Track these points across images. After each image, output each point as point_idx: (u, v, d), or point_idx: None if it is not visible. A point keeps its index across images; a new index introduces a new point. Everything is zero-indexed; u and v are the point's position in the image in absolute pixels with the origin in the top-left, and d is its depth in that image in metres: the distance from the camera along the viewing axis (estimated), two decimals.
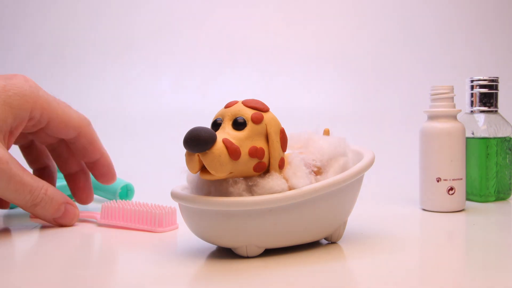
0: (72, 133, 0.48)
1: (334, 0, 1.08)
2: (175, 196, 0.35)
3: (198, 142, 0.31)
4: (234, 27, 1.07)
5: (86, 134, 0.49)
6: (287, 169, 0.35)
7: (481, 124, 0.57)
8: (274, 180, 0.34)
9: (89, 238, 0.45)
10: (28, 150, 0.52)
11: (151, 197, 0.64)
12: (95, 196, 0.64)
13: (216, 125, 0.34)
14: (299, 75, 1.06)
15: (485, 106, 0.57)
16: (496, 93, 0.58)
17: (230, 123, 0.34)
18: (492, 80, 0.57)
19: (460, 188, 0.52)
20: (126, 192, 0.60)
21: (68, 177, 0.53)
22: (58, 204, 0.46)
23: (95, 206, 0.59)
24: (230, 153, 0.32)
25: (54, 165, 0.54)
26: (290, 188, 0.34)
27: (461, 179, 0.52)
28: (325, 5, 1.07)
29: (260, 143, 0.34)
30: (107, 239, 0.43)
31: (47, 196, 0.45)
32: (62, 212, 0.46)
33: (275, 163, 0.34)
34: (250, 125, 0.33)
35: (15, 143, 0.50)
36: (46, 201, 0.45)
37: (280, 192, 0.34)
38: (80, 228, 0.48)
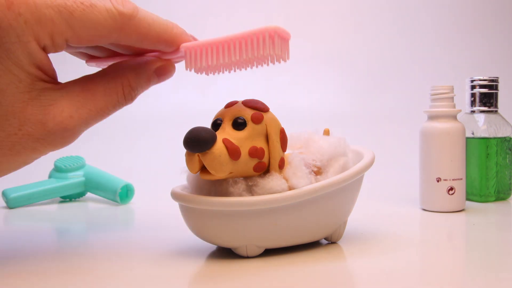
0: (106, 41, 0.34)
1: (335, 0, 1.08)
2: (175, 196, 0.35)
3: (198, 142, 0.31)
4: (234, 27, 1.07)
5: (129, 35, 0.34)
6: (287, 169, 0.35)
7: (481, 124, 0.57)
8: (274, 180, 0.34)
9: (89, 237, 0.45)
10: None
11: (151, 197, 0.64)
12: (95, 196, 0.64)
13: (216, 125, 0.34)
14: (299, 75, 1.06)
15: (485, 106, 0.57)
16: (496, 93, 0.58)
17: (230, 123, 0.34)
18: (492, 80, 0.57)
19: (460, 188, 0.52)
20: (126, 192, 0.60)
21: None
22: (148, 80, 0.36)
23: (96, 205, 0.60)
24: (230, 153, 0.32)
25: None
26: (290, 188, 0.34)
27: (461, 179, 0.52)
28: (326, 5, 1.07)
29: (260, 143, 0.34)
30: (106, 239, 0.43)
31: (133, 89, 0.36)
32: (156, 79, 0.37)
33: (275, 163, 0.34)
34: (250, 125, 0.33)
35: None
36: (136, 91, 0.36)
37: (280, 192, 0.34)
38: (80, 228, 0.48)
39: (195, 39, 0.37)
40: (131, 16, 0.33)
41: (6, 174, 0.34)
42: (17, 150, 0.32)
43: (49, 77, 0.33)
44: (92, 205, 0.60)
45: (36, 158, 0.34)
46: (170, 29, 0.35)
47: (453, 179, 0.51)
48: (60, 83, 0.34)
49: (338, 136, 0.40)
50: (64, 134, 0.33)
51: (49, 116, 0.32)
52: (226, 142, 0.32)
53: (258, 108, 0.34)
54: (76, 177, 0.62)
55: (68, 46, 0.33)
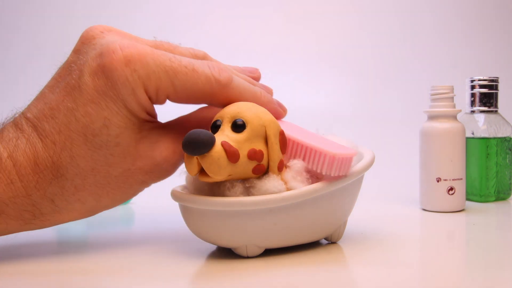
0: (200, 102, 0.38)
1: (335, 0, 1.08)
2: (175, 196, 0.35)
3: (196, 145, 0.31)
4: (234, 27, 1.08)
5: (220, 100, 0.37)
6: (287, 172, 0.34)
7: (481, 124, 0.57)
8: (271, 182, 0.33)
9: (89, 237, 0.45)
10: None
11: (151, 197, 0.64)
12: None
13: (216, 126, 0.34)
14: (299, 75, 1.06)
15: (485, 106, 0.57)
16: (496, 93, 0.58)
17: (229, 125, 0.33)
18: (492, 80, 0.57)
19: (460, 188, 0.52)
20: None
21: None
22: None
23: None
24: (229, 156, 0.32)
25: None
26: (289, 190, 0.34)
27: (461, 179, 0.52)
28: (326, 5, 1.07)
29: (259, 145, 0.33)
30: (106, 239, 0.43)
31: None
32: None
33: (274, 165, 0.34)
34: (249, 127, 0.33)
35: None
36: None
37: (276, 193, 0.33)
38: (80, 228, 0.48)
39: (281, 105, 0.40)
40: (226, 84, 0.36)
41: (117, 205, 0.38)
42: (129, 183, 0.37)
43: (153, 117, 0.38)
44: None
45: (141, 190, 0.38)
46: (259, 97, 0.38)
47: (453, 179, 0.51)
48: (160, 122, 0.38)
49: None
50: (168, 167, 0.37)
51: (157, 151, 0.36)
52: (225, 145, 0.32)
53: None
54: None
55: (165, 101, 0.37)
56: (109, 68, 0.34)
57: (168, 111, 0.43)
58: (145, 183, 0.37)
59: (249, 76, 0.40)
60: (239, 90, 0.37)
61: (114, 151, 0.35)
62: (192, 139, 0.31)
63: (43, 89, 0.37)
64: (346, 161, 0.35)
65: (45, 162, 0.34)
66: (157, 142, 0.36)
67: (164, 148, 0.36)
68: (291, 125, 0.38)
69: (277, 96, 0.41)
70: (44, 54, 1.08)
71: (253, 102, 0.37)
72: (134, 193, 0.38)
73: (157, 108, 0.38)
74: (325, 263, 0.35)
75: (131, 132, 0.35)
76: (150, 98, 0.35)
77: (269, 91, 0.41)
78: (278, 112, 0.39)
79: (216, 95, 0.36)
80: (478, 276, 0.33)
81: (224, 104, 0.37)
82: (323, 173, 0.34)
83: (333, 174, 0.34)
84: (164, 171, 0.37)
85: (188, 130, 0.37)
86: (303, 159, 0.35)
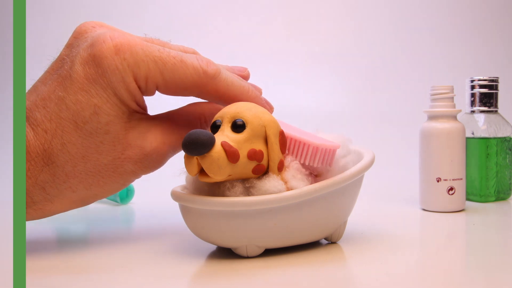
0: (189, 94, 0.38)
1: (335, 0, 1.08)
2: (175, 196, 0.35)
3: (196, 145, 0.31)
4: (234, 27, 1.07)
5: (209, 92, 0.37)
6: (286, 172, 0.34)
7: (481, 124, 0.57)
8: (270, 182, 0.33)
9: (89, 237, 0.45)
10: None
11: (151, 197, 0.64)
12: None
13: (216, 127, 0.34)
14: (299, 75, 1.06)
15: (485, 106, 0.57)
16: (496, 93, 0.58)
17: (229, 125, 0.34)
18: (492, 80, 0.57)
19: (460, 188, 0.52)
20: (126, 192, 0.60)
21: None
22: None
23: (96, 206, 0.60)
24: (229, 156, 0.32)
25: None
26: (289, 190, 0.34)
27: (461, 179, 0.52)
28: (325, 5, 1.07)
29: (259, 146, 0.33)
30: (106, 239, 0.43)
31: (208, 124, 0.40)
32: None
33: (274, 165, 0.34)
34: (249, 128, 0.33)
35: None
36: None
37: (276, 193, 0.33)
38: (80, 228, 0.48)
39: (268, 103, 0.40)
40: (213, 76, 0.36)
41: (109, 195, 0.38)
42: (119, 172, 0.37)
43: (143, 109, 0.38)
44: (92, 205, 0.60)
45: (132, 181, 0.38)
46: (246, 91, 0.38)
47: (453, 179, 0.51)
48: (150, 115, 0.39)
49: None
50: (158, 158, 0.38)
51: (146, 141, 0.37)
52: (224, 145, 0.32)
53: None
54: None
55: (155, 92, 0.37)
56: (99, 57, 0.34)
57: (158, 105, 0.44)
58: (135, 174, 0.38)
59: (238, 74, 0.41)
60: (227, 83, 0.37)
61: (104, 138, 0.35)
62: (192, 139, 0.31)
63: (35, 83, 0.38)
64: (329, 153, 0.36)
65: (36, 150, 0.35)
66: (146, 132, 0.37)
67: (154, 138, 0.37)
68: (280, 122, 0.39)
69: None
70: (44, 54, 1.08)
71: (241, 95, 0.38)
72: (124, 184, 0.38)
73: (147, 103, 0.39)
74: (325, 263, 0.35)
75: (120, 120, 0.36)
76: (139, 87, 0.36)
77: (258, 90, 0.41)
78: (266, 108, 0.39)
79: (204, 86, 0.37)
80: (478, 276, 0.33)
81: (213, 97, 0.38)
82: (307, 164, 0.35)
83: (316, 165, 0.35)
84: (153, 162, 0.37)
85: (177, 124, 0.38)
86: (288, 151, 0.35)
